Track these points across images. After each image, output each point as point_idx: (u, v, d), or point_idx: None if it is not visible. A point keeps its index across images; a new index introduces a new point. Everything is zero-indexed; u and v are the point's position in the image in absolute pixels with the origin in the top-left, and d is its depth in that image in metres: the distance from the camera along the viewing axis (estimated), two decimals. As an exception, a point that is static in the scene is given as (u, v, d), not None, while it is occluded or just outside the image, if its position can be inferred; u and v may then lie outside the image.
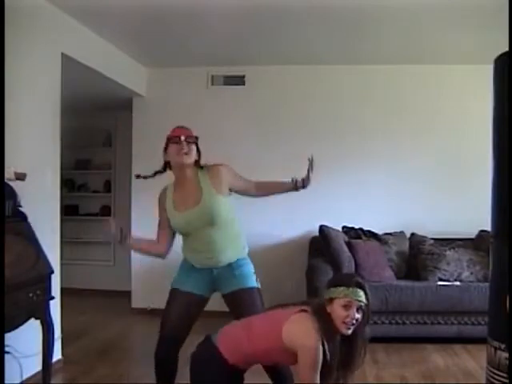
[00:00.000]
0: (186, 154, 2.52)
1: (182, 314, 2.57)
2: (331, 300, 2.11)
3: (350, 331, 2.10)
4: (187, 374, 2.26)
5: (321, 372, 2.07)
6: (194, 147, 2.57)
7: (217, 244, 2.55)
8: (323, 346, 2.06)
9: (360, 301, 2.09)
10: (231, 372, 2.18)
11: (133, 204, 5.40)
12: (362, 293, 2.11)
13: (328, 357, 2.06)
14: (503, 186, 2.33)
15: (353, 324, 2.09)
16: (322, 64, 5.10)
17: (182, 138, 2.53)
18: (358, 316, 2.10)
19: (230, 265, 2.60)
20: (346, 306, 2.08)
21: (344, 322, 2.08)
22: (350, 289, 2.10)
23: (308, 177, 2.87)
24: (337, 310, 2.09)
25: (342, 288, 2.11)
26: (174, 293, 2.63)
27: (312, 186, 5.53)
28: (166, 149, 2.59)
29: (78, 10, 3.63)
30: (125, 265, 5.63)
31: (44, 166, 3.50)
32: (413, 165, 5.09)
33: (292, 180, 2.78)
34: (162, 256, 2.70)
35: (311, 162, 2.86)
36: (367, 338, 2.19)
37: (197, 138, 2.61)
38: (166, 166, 2.64)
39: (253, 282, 2.61)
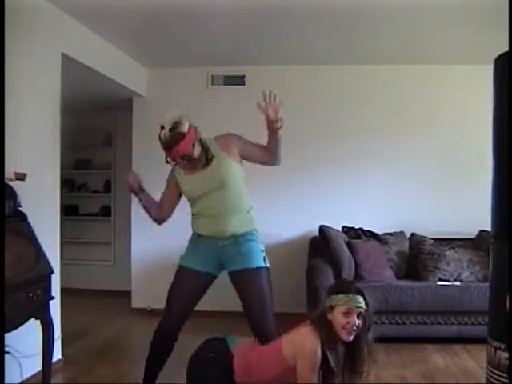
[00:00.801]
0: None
1: (187, 293, 2.59)
2: (332, 307, 2.13)
3: (351, 337, 2.11)
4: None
5: (325, 378, 2.08)
6: (194, 147, 2.50)
7: (224, 206, 2.56)
8: (325, 352, 2.06)
9: (360, 307, 2.11)
10: None
11: (133, 204, 5.40)
12: (361, 299, 2.13)
13: (332, 364, 2.07)
14: (503, 185, 2.33)
15: (354, 330, 2.10)
16: (321, 64, 5.11)
17: (179, 160, 2.50)
18: (359, 322, 2.11)
19: (236, 239, 2.57)
20: (346, 313, 2.11)
21: (344, 329, 2.09)
22: (350, 296, 2.12)
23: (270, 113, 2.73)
24: (337, 317, 2.11)
25: (341, 295, 2.13)
26: (180, 271, 2.65)
27: (312, 186, 5.54)
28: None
29: (78, 10, 3.63)
30: (125, 265, 5.64)
31: (44, 166, 3.50)
32: (413, 165, 5.09)
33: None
34: (158, 220, 2.73)
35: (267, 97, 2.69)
36: (371, 343, 2.20)
37: (196, 133, 2.52)
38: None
39: (260, 260, 2.57)
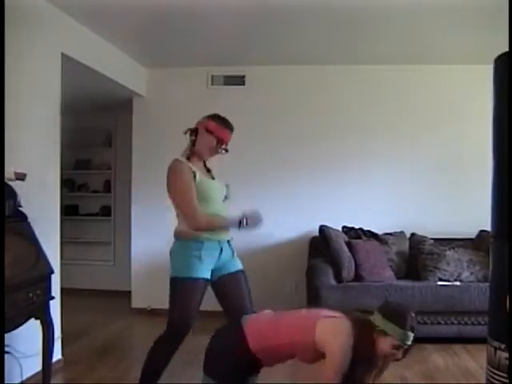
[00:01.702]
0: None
1: (198, 303, 2.62)
2: (384, 332, 2.11)
3: (381, 363, 2.13)
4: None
5: None
6: None
7: (226, 211, 2.78)
8: (354, 360, 2.06)
9: (409, 345, 2.12)
10: (250, 360, 2.18)
11: (133, 204, 5.41)
12: (412, 336, 2.12)
13: (357, 374, 2.08)
14: (503, 185, 2.33)
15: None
16: (322, 64, 5.10)
17: (225, 145, 2.77)
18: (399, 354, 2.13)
19: (229, 242, 2.78)
20: (395, 347, 2.10)
21: (385, 357, 2.11)
22: (408, 333, 2.10)
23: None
24: (385, 346, 2.11)
25: (399, 329, 2.09)
26: (191, 282, 2.58)
27: (312, 186, 5.54)
28: (196, 132, 2.73)
29: (78, 9, 3.63)
30: (125, 265, 5.64)
31: (44, 166, 3.50)
32: (413, 165, 5.09)
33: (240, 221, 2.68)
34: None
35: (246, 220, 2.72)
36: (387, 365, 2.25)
37: None
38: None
39: None
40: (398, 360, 2.16)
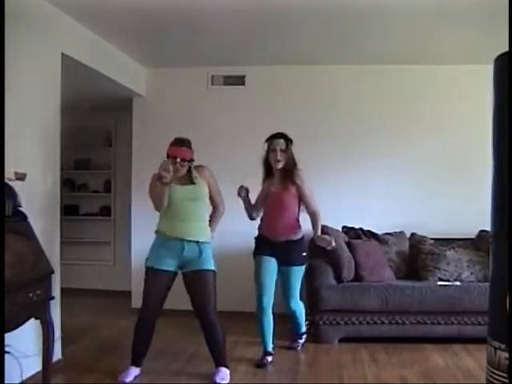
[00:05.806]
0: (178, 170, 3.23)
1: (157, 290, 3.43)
2: None
3: None
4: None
5: None
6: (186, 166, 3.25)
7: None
8: None
9: None
10: None
11: (133, 204, 5.40)
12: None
13: None
14: (503, 185, 2.33)
15: None
16: (322, 64, 5.10)
17: (178, 160, 3.18)
18: None
19: (197, 242, 3.39)
20: None
21: None
22: None
23: None
24: None
25: None
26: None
27: (312, 186, 5.54)
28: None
29: (78, 9, 3.63)
30: (125, 265, 5.63)
31: (44, 166, 3.50)
32: (413, 165, 5.09)
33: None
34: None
35: None
36: None
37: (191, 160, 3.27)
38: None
39: None
40: None
